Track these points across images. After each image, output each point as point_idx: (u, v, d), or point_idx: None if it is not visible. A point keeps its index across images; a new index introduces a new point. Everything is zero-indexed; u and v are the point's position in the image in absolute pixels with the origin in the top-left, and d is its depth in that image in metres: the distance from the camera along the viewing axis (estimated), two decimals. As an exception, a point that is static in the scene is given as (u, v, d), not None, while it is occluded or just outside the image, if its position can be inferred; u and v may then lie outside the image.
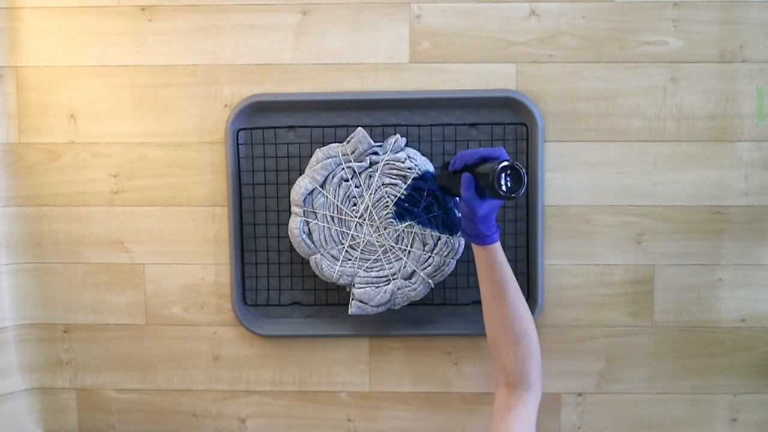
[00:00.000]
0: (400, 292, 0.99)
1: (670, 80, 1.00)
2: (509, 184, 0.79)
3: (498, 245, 0.88)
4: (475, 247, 0.89)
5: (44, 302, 1.07)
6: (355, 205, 0.99)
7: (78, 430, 1.09)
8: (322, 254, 1.00)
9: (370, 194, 0.99)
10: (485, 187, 0.80)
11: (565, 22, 1.00)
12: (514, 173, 0.79)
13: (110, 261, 1.05)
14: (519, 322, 0.88)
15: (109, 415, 1.09)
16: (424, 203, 0.98)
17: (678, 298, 1.03)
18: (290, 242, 1.02)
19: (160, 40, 1.02)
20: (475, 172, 0.83)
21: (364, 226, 0.99)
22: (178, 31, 1.02)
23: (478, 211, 0.83)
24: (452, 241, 0.99)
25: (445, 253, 0.99)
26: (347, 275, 1.00)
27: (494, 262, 0.88)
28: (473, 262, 1.02)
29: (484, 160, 0.84)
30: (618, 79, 1.01)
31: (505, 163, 0.79)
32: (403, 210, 0.98)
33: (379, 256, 0.99)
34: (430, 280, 1.00)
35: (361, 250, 1.00)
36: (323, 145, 1.00)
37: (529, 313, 0.90)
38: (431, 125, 1.02)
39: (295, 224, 0.99)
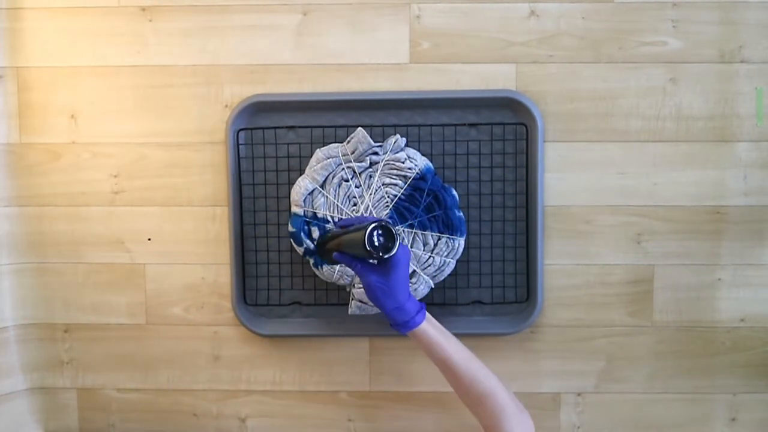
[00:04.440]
0: (400, 292, 0.99)
1: (669, 80, 1.01)
2: (381, 242, 0.78)
3: (425, 326, 0.84)
4: (408, 334, 0.86)
5: (45, 302, 1.07)
6: (355, 205, 1.00)
7: (78, 429, 1.09)
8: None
9: (370, 194, 0.99)
10: (360, 252, 0.79)
11: (565, 23, 1.00)
12: (386, 232, 0.78)
13: (111, 261, 1.06)
14: (477, 385, 0.85)
15: (109, 414, 1.09)
16: (424, 203, 0.98)
17: (677, 298, 1.04)
18: (290, 242, 1.03)
19: (161, 40, 1.02)
20: (349, 240, 0.82)
21: (364, 226, 0.99)
22: (178, 31, 1.02)
23: (386, 306, 0.82)
24: (452, 241, 0.99)
25: (445, 253, 0.99)
26: (347, 275, 1.00)
27: (429, 341, 0.85)
28: (474, 262, 1.03)
29: (356, 228, 0.82)
30: (617, 79, 1.01)
31: (375, 224, 0.78)
32: (403, 210, 0.99)
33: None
34: (431, 280, 1.00)
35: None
36: (323, 145, 1.01)
37: (486, 370, 0.87)
38: (431, 125, 1.02)
39: (295, 224, 1.00)
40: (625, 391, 1.06)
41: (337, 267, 0.99)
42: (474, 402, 0.87)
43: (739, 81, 1.00)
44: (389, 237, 0.79)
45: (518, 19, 1.00)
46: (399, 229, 0.81)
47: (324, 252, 0.92)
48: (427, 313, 0.86)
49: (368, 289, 0.84)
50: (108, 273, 1.06)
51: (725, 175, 1.02)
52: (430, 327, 0.85)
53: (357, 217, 0.86)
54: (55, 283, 1.06)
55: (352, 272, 0.99)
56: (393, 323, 0.85)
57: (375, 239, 0.78)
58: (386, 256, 0.79)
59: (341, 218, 0.95)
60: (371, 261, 0.81)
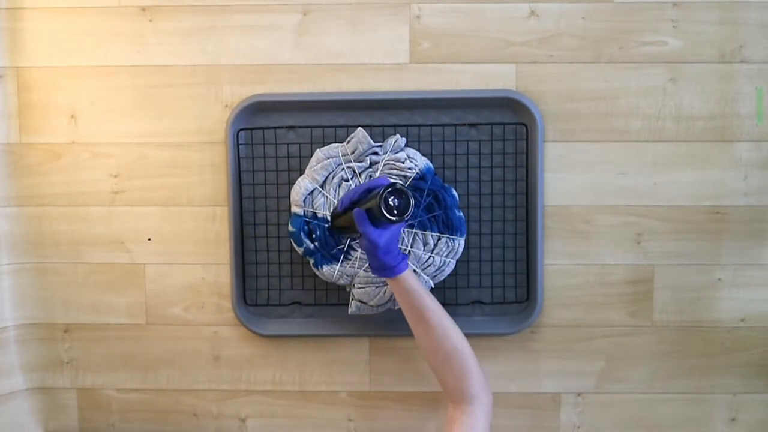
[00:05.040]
0: (400, 292, 0.99)
1: (669, 80, 1.01)
2: (396, 204, 0.80)
3: (408, 273, 0.88)
4: (388, 281, 0.90)
5: (45, 302, 1.07)
6: (355, 205, 1.00)
7: (78, 429, 1.09)
8: (322, 254, 1.00)
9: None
10: (377, 215, 0.81)
11: (565, 23, 1.00)
12: (399, 194, 0.80)
13: (111, 261, 1.05)
14: (449, 341, 0.89)
15: (109, 414, 1.09)
16: (424, 203, 0.98)
17: (677, 298, 1.04)
18: (290, 242, 1.03)
19: (161, 41, 1.02)
20: (363, 206, 0.84)
21: (364, 226, 0.99)
22: (178, 31, 1.02)
23: (379, 242, 0.84)
24: (452, 241, 0.99)
25: (445, 253, 0.99)
26: (347, 275, 1.00)
27: (409, 289, 0.88)
28: (474, 262, 1.03)
29: (369, 191, 0.85)
30: (617, 79, 1.01)
31: (389, 187, 0.80)
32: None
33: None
34: (431, 280, 1.00)
35: (361, 250, 1.00)
36: (323, 145, 1.01)
37: (458, 329, 0.90)
38: (431, 125, 1.02)
39: (295, 224, 1.00)
40: (625, 391, 1.06)
41: (337, 267, 0.99)
42: (442, 360, 0.89)
43: (740, 81, 1.00)
44: (404, 200, 0.80)
45: (518, 19, 1.00)
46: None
47: (338, 226, 0.92)
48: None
49: (364, 237, 0.84)
50: (108, 273, 1.06)
51: (725, 175, 1.01)
52: (411, 275, 0.89)
53: (363, 186, 0.86)
54: (55, 283, 1.06)
55: (352, 272, 0.99)
56: (381, 267, 0.87)
57: (390, 203, 0.80)
58: (407, 215, 0.80)
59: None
60: (393, 222, 0.81)
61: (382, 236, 0.83)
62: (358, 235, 0.87)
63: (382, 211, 0.79)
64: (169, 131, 1.03)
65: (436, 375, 0.92)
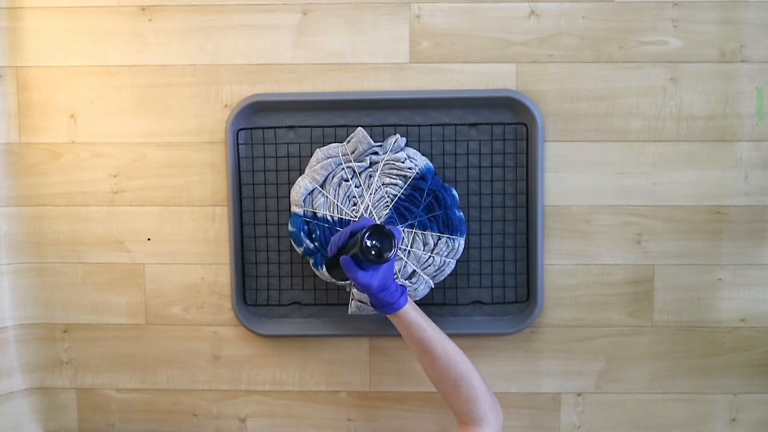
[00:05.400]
0: (400, 292, 0.99)
1: (669, 80, 1.00)
2: (378, 245, 0.80)
3: (408, 307, 0.88)
4: (389, 317, 0.90)
5: (44, 302, 1.07)
6: (355, 205, 1.00)
7: (78, 429, 1.09)
8: (322, 254, 1.00)
9: (370, 194, 0.99)
10: (362, 259, 0.81)
11: (565, 22, 1.00)
12: (380, 235, 0.80)
13: (110, 261, 1.05)
14: (453, 368, 0.89)
15: (109, 414, 1.09)
16: (424, 203, 0.98)
17: (678, 298, 1.04)
18: (290, 242, 1.03)
19: (160, 40, 1.02)
20: (349, 251, 0.84)
21: (364, 226, 0.99)
22: (178, 31, 1.02)
23: (371, 284, 0.84)
24: (452, 241, 0.99)
25: (445, 253, 0.99)
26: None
27: (410, 323, 0.88)
28: (474, 262, 1.03)
29: (352, 235, 0.85)
30: (618, 79, 1.01)
31: (368, 230, 0.80)
32: (403, 210, 0.99)
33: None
34: (431, 280, 1.00)
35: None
36: (323, 145, 1.00)
37: (463, 355, 0.90)
38: (431, 125, 1.02)
39: (295, 224, 1.00)
40: (625, 391, 1.05)
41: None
42: (449, 386, 0.90)
43: (740, 80, 1.00)
44: (386, 239, 0.81)
45: (518, 19, 1.00)
46: (389, 225, 0.82)
47: (333, 271, 0.91)
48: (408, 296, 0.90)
49: (356, 282, 0.85)
50: (108, 273, 1.06)
51: (725, 175, 1.01)
52: (411, 309, 0.89)
53: (347, 230, 0.87)
54: (55, 283, 1.06)
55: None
56: (380, 305, 0.88)
57: (369, 244, 0.80)
58: (389, 255, 0.80)
59: (338, 229, 0.94)
60: (378, 263, 0.82)
61: (373, 278, 0.84)
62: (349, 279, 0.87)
63: (363, 254, 0.80)
64: (169, 131, 1.03)
65: (444, 400, 0.93)
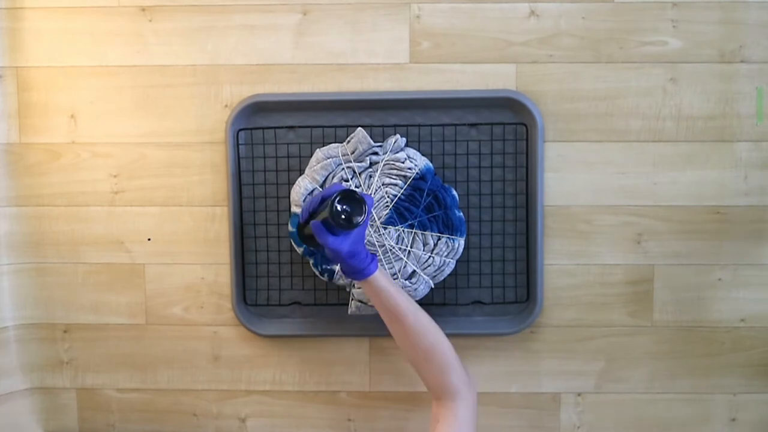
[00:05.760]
0: (400, 292, 0.99)
1: (669, 80, 1.01)
2: (348, 210, 0.79)
3: (378, 274, 0.87)
4: (359, 283, 0.89)
5: (44, 302, 1.07)
6: (355, 205, 0.99)
7: (78, 429, 1.09)
8: (322, 254, 1.00)
9: (370, 194, 0.99)
10: (332, 224, 0.80)
11: (565, 23, 1.00)
12: (351, 200, 0.79)
13: (110, 261, 1.05)
14: (425, 337, 0.89)
15: (109, 414, 1.09)
16: (424, 203, 0.98)
17: (677, 298, 1.04)
18: (290, 242, 1.03)
19: (160, 40, 1.02)
20: (319, 216, 0.83)
21: (364, 226, 0.99)
22: (178, 31, 1.02)
23: (341, 250, 0.83)
24: (452, 241, 0.99)
25: (445, 253, 0.99)
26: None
27: (380, 290, 0.87)
28: (474, 262, 1.03)
29: (323, 200, 0.84)
30: (618, 79, 1.01)
31: (338, 194, 0.79)
32: (403, 210, 0.99)
33: (379, 256, 0.99)
34: (431, 280, 1.00)
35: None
36: (323, 145, 1.01)
37: (434, 324, 0.90)
38: (431, 125, 1.02)
39: (295, 224, 1.00)
40: (625, 391, 1.06)
41: (337, 267, 0.99)
42: (421, 357, 0.89)
43: (740, 81, 1.00)
44: (356, 204, 0.79)
45: (518, 19, 1.00)
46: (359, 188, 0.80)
47: (305, 237, 0.91)
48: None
49: (326, 247, 0.84)
50: (108, 273, 1.06)
51: (725, 175, 1.01)
52: (382, 276, 0.88)
53: (318, 195, 0.86)
54: (55, 283, 1.06)
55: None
56: (350, 271, 0.87)
57: (339, 209, 0.79)
58: (359, 220, 0.79)
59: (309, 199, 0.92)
60: (348, 228, 0.81)
61: (343, 243, 0.83)
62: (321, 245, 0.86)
63: (334, 218, 0.79)
64: (169, 131, 1.03)
65: (418, 373, 0.92)
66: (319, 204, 0.85)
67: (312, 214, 0.86)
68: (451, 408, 0.89)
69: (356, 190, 0.80)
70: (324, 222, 0.82)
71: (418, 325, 0.89)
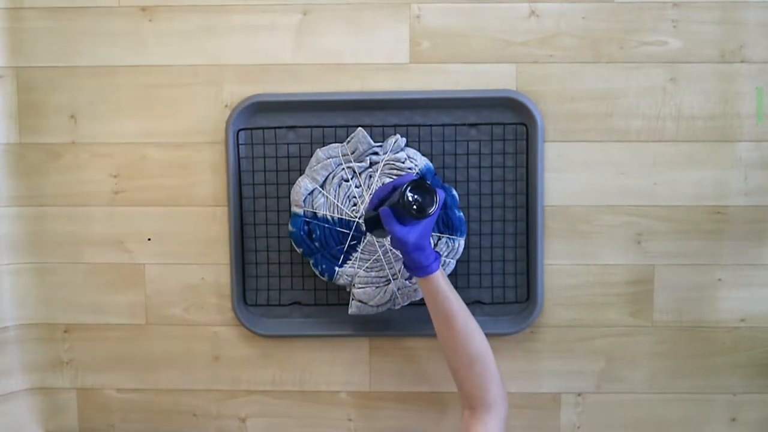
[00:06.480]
0: (400, 292, 0.99)
1: (669, 80, 1.01)
2: (419, 199, 0.80)
3: (439, 274, 0.87)
4: (418, 280, 0.89)
5: (45, 302, 1.07)
6: (355, 205, 1.00)
7: (78, 430, 1.09)
8: (322, 254, 1.00)
9: (370, 194, 0.99)
10: (402, 212, 0.80)
11: (565, 23, 1.00)
12: (422, 189, 0.80)
13: (110, 261, 1.05)
14: (471, 345, 0.88)
15: (109, 415, 1.09)
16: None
17: (678, 298, 1.04)
18: (290, 242, 1.03)
19: (161, 40, 1.02)
20: (389, 204, 0.84)
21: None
22: (178, 31, 1.02)
23: (407, 239, 0.83)
24: (452, 241, 0.99)
25: (445, 253, 0.99)
26: (347, 275, 1.00)
27: (438, 291, 0.87)
28: (474, 262, 1.03)
29: (395, 189, 0.85)
30: (618, 79, 1.01)
31: (410, 183, 0.80)
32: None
33: (379, 256, 0.99)
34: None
35: (361, 250, 1.00)
36: (323, 145, 1.01)
37: (482, 334, 0.89)
38: (431, 125, 1.02)
39: (295, 224, 1.00)
40: (625, 391, 1.06)
41: (337, 267, 0.99)
42: (465, 363, 0.88)
43: (740, 81, 1.00)
44: (428, 194, 0.80)
45: (518, 19, 1.00)
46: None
47: (372, 225, 0.90)
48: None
49: (393, 235, 0.84)
50: (108, 273, 1.06)
51: (725, 175, 1.01)
52: (442, 277, 0.88)
53: (390, 183, 0.86)
54: (55, 283, 1.06)
55: (352, 272, 0.99)
56: (413, 266, 0.86)
57: (410, 198, 0.79)
58: (431, 210, 0.80)
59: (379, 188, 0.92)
60: (418, 218, 0.81)
61: (410, 233, 0.83)
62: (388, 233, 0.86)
63: (404, 207, 0.79)
64: (169, 131, 1.03)
65: (455, 379, 0.91)
66: (390, 192, 0.85)
67: (382, 200, 0.86)
68: (484, 421, 0.88)
69: (427, 182, 0.81)
70: (393, 210, 0.82)
71: (468, 330, 0.88)
